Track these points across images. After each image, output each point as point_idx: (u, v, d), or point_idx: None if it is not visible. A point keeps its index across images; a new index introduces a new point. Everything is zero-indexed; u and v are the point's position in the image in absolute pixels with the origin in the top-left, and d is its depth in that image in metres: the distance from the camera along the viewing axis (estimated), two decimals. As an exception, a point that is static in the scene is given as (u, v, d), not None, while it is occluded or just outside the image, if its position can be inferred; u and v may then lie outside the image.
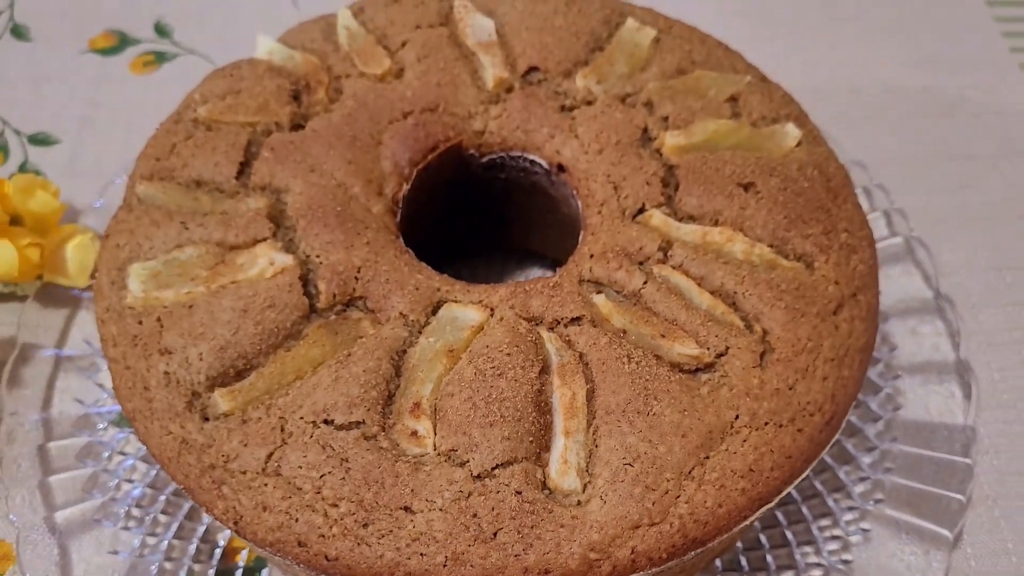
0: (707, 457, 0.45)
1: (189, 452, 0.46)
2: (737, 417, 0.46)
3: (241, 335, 0.48)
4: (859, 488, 0.60)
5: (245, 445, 0.45)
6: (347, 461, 0.45)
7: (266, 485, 0.45)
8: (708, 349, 0.47)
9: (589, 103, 0.58)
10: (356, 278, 0.50)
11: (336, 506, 0.44)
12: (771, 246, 0.51)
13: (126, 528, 0.56)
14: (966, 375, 0.64)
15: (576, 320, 0.49)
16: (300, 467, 0.45)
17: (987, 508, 0.63)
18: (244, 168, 0.55)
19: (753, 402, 0.46)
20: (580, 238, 0.54)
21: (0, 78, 0.85)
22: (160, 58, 0.87)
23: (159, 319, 0.49)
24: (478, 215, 0.65)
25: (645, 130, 0.56)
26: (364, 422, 0.45)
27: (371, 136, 0.56)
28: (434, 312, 0.50)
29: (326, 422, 0.46)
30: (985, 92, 0.87)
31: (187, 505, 0.57)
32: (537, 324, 0.49)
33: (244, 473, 0.45)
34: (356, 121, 0.56)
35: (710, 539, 0.45)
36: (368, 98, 0.57)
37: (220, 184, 0.54)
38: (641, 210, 0.53)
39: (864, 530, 0.59)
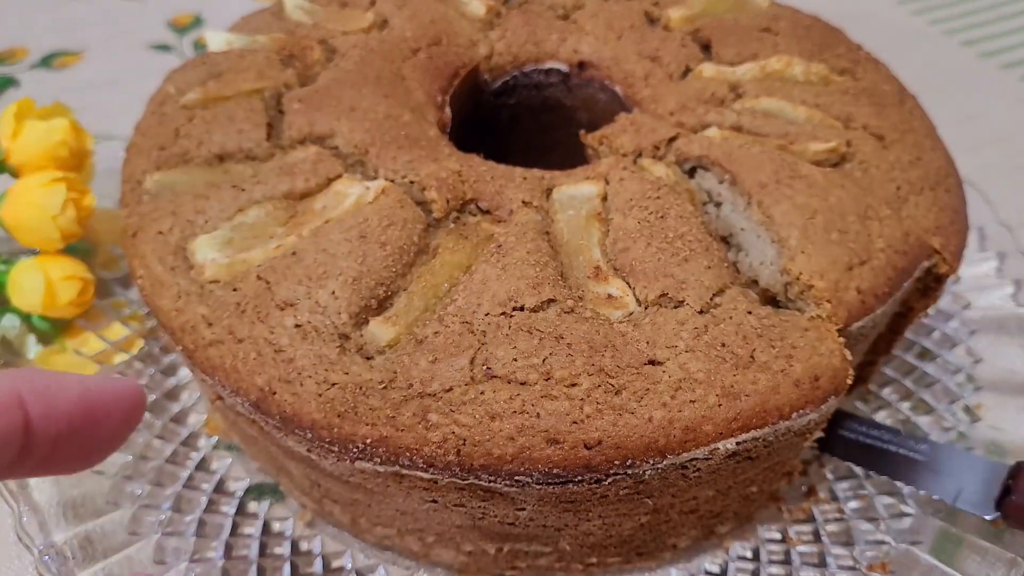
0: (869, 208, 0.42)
1: (369, 395, 0.35)
2: (899, 188, 0.43)
3: (372, 261, 0.38)
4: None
5: (436, 362, 0.36)
6: (563, 337, 0.36)
7: (482, 393, 0.35)
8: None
9: (580, 8, 0.56)
10: (462, 181, 0.43)
11: (576, 384, 0.35)
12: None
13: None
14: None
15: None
16: (515, 359, 0.36)
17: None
18: (270, 130, 0.46)
19: (902, 173, 0.44)
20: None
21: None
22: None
23: (259, 277, 0.38)
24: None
25: (645, 14, 0.55)
26: (556, 299, 0.38)
27: (392, 73, 0.49)
28: (547, 198, 0.43)
29: (518, 309, 0.37)
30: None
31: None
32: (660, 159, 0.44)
33: (450, 391, 0.35)
34: (370, 64, 0.49)
35: (912, 269, 0.41)
36: (371, 44, 0.50)
37: (250, 150, 0.45)
38: (686, 71, 0.51)
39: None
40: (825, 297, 0.38)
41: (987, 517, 0.44)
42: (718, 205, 0.42)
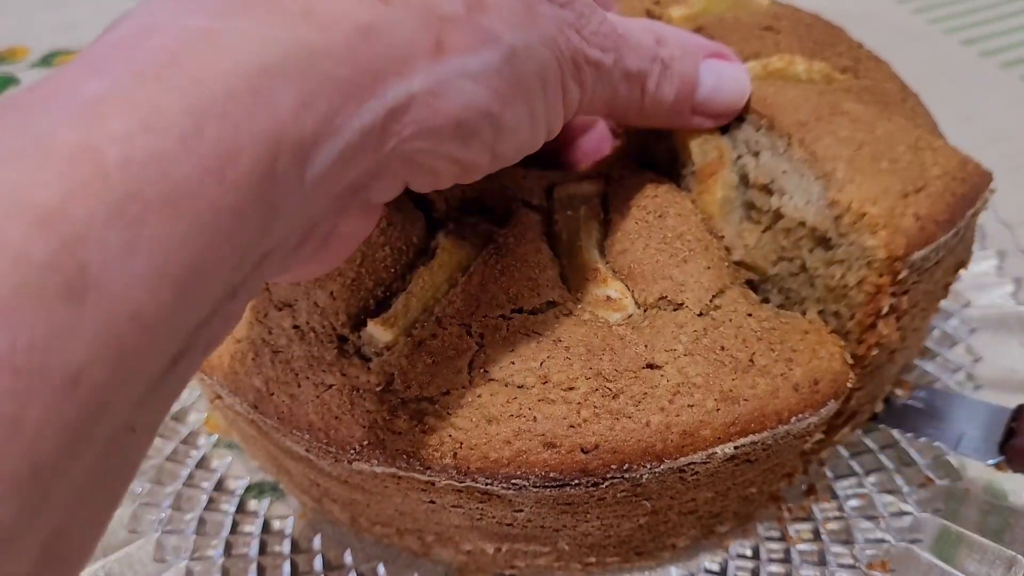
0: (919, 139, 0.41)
1: (365, 398, 0.35)
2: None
3: (370, 262, 0.38)
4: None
5: (434, 364, 0.35)
6: (560, 340, 0.36)
7: (479, 396, 0.35)
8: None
9: (582, 6, 0.55)
10: (462, 181, 0.42)
11: (573, 388, 0.35)
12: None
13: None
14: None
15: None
16: (512, 362, 0.35)
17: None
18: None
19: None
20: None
21: None
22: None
23: (257, 278, 0.38)
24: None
25: (648, 13, 0.54)
26: (556, 301, 0.37)
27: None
28: (548, 197, 0.43)
29: (516, 311, 0.37)
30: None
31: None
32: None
33: (447, 394, 0.35)
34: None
35: (973, 197, 0.40)
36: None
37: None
38: (687, 70, 0.50)
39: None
40: (880, 224, 0.36)
41: (990, 462, 0.44)
42: (756, 155, 0.41)
